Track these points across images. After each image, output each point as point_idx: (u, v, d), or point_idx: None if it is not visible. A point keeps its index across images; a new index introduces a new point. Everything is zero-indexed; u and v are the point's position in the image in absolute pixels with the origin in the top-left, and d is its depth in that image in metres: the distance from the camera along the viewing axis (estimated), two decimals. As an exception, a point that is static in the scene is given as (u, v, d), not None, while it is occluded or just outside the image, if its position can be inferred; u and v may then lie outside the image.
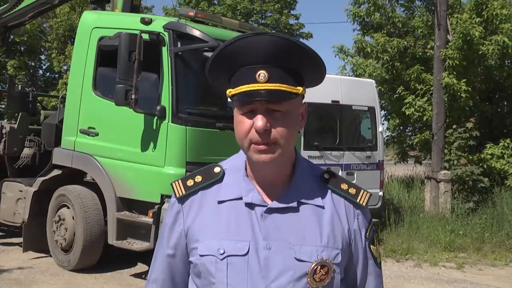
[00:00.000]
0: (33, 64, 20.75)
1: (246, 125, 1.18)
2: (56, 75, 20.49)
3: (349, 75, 12.13)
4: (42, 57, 21.13)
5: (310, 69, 1.21)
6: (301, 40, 19.14)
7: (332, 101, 8.09)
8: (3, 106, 10.62)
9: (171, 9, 18.96)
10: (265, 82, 1.14)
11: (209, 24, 6.19)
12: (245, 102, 1.17)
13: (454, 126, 10.24)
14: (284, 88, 1.16)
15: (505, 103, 12.86)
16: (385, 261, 6.98)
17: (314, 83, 1.26)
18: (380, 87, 11.44)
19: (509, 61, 11.74)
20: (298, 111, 1.23)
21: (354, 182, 1.35)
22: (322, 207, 1.26)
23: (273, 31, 19.73)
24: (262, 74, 1.15)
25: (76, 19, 16.84)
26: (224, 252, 1.20)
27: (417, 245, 8.00)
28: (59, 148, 6.37)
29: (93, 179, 6.25)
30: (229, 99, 1.25)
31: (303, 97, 1.24)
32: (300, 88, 1.19)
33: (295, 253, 1.20)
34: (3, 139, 7.19)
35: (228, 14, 18.48)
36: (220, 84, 1.26)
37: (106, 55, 5.92)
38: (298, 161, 1.30)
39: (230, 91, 1.20)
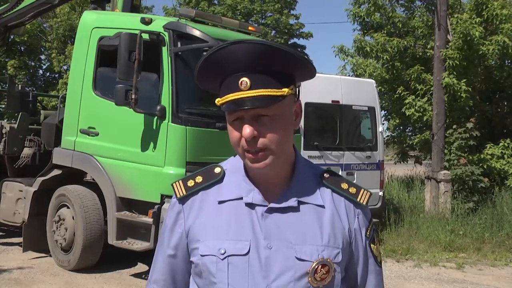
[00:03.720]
0: (33, 64, 20.74)
1: (236, 133, 1.19)
2: (56, 75, 20.50)
3: (349, 75, 12.13)
4: (42, 57, 21.15)
5: (295, 67, 1.21)
6: (301, 40, 18.76)
7: (332, 101, 8.09)
8: (3, 106, 10.63)
9: (171, 9, 18.99)
10: (248, 89, 1.15)
11: (209, 24, 6.19)
12: (232, 111, 1.18)
13: (454, 126, 10.24)
14: (267, 93, 1.15)
15: (505, 103, 12.86)
16: (385, 261, 6.98)
17: (305, 78, 1.26)
18: (380, 87, 11.43)
19: (509, 61, 11.75)
20: (290, 111, 1.23)
21: (354, 182, 1.35)
22: (323, 206, 1.26)
23: (272, 32, 19.76)
24: (244, 81, 1.15)
25: (76, 19, 16.85)
26: (225, 252, 1.21)
27: (417, 245, 8.00)
28: (59, 148, 6.37)
29: (93, 179, 6.26)
30: None
31: (295, 95, 1.24)
32: (286, 89, 1.18)
33: (295, 253, 1.20)
34: (3, 139, 7.19)
35: (228, 14, 18.47)
36: (211, 89, 1.27)
37: (106, 55, 5.92)
38: (298, 161, 1.30)
39: (218, 101, 1.21)
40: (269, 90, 1.16)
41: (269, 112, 1.17)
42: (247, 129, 1.16)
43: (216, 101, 1.22)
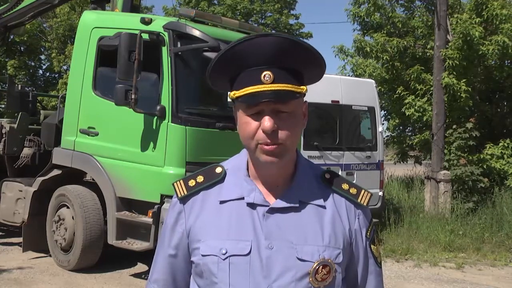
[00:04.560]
0: (33, 64, 20.74)
1: (253, 126, 1.18)
2: (56, 75, 20.50)
3: (349, 75, 12.13)
4: (42, 57, 21.15)
5: (312, 67, 1.21)
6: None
7: (332, 101, 8.09)
8: (3, 106, 10.62)
9: (171, 9, 18.97)
10: (271, 83, 1.15)
11: (209, 24, 6.19)
12: (252, 104, 1.17)
13: (454, 126, 10.25)
14: (289, 88, 1.16)
15: (505, 103, 12.86)
16: (385, 261, 6.98)
17: (313, 80, 1.26)
18: (380, 87, 11.44)
19: (509, 61, 11.75)
20: (301, 110, 1.24)
21: (354, 182, 1.35)
22: (324, 207, 1.26)
23: (273, 31, 19.75)
24: (267, 75, 1.15)
25: (76, 19, 16.85)
26: (226, 252, 1.21)
27: (417, 245, 8.01)
28: (59, 148, 6.36)
29: (93, 179, 6.25)
30: (229, 99, 1.25)
31: (304, 95, 1.25)
32: (304, 87, 1.20)
33: (297, 253, 1.20)
34: (3, 139, 7.19)
35: (228, 14, 18.48)
36: (218, 86, 1.27)
37: (106, 55, 5.92)
38: (299, 161, 1.30)
39: (234, 93, 1.19)
40: (291, 85, 1.16)
41: (288, 108, 1.17)
42: (268, 122, 1.15)
43: (231, 94, 1.21)
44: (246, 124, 1.19)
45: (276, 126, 1.16)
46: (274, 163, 1.19)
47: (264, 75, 1.15)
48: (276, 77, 1.15)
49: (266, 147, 1.17)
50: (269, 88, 1.15)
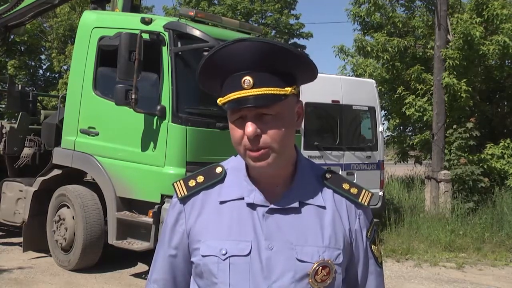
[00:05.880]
0: (33, 64, 20.76)
1: (238, 132, 1.18)
2: (56, 75, 20.51)
3: (349, 75, 12.13)
4: (42, 57, 21.17)
5: (298, 67, 1.20)
6: (301, 40, 18.76)
7: (332, 101, 8.09)
8: (3, 106, 10.62)
9: (171, 9, 18.98)
10: (251, 88, 1.14)
11: (209, 24, 6.19)
12: (235, 110, 1.17)
13: (454, 126, 10.25)
14: (270, 92, 1.15)
15: (505, 103, 12.85)
16: (385, 261, 6.98)
17: (306, 80, 1.25)
18: (380, 87, 11.43)
19: (509, 61, 11.74)
20: (292, 111, 1.22)
21: (354, 182, 1.35)
22: (324, 207, 1.26)
23: (273, 32, 19.76)
24: (247, 80, 1.15)
25: (76, 19, 16.85)
26: (226, 253, 1.21)
27: (417, 245, 8.01)
28: (59, 148, 6.37)
29: (93, 179, 6.26)
30: None
31: (297, 95, 1.24)
32: (289, 89, 1.18)
33: (296, 254, 1.20)
34: (3, 139, 7.19)
35: (228, 14, 18.47)
36: (213, 91, 1.27)
37: (106, 55, 5.92)
38: (299, 161, 1.29)
39: (220, 100, 1.20)
40: (272, 88, 1.15)
41: (272, 111, 1.16)
42: (250, 127, 1.15)
43: (218, 101, 1.21)
44: (233, 130, 1.20)
45: (259, 131, 1.16)
46: (264, 168, 1.19)
47: (244, 80, 1.15)
48: (257, 82, 1.14)
49: (252, 153, 1.17)
50: (249, 93, 1.14)
